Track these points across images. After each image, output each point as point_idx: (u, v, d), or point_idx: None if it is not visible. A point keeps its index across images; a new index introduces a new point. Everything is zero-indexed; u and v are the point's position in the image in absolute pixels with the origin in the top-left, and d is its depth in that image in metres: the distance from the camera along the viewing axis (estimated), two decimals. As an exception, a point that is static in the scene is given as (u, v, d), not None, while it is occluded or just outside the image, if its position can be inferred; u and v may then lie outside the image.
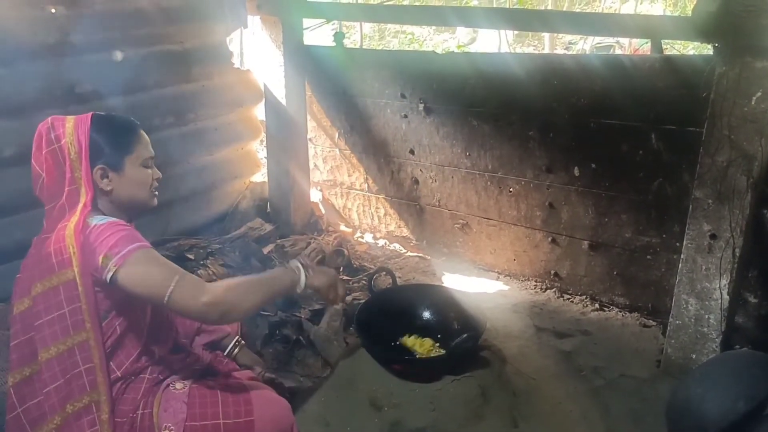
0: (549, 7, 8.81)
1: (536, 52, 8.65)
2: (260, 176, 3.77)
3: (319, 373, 2.40)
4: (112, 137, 1.59)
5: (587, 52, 7.32)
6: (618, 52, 7.30)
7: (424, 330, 2.55)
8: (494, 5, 8.93)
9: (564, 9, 8.87)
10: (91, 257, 1.48)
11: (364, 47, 8.11)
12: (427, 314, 2.64)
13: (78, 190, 1.55)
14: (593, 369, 2.45)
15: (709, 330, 2.26)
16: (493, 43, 8.33)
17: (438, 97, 3.17)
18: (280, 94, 3.40)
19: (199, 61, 3.14)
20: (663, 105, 2.53)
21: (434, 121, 3.22)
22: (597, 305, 2.93)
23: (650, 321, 2.77)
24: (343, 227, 3.76)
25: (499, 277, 3.24)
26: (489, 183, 3.14)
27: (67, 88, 2.54)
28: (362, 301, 2.70)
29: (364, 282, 2.95)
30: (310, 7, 3.51)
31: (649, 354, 2.53)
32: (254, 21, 3.38)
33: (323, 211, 3.77)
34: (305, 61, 3.46)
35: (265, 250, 3.14)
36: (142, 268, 1.47)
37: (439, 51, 4.18)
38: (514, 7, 8.21)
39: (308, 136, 3.66)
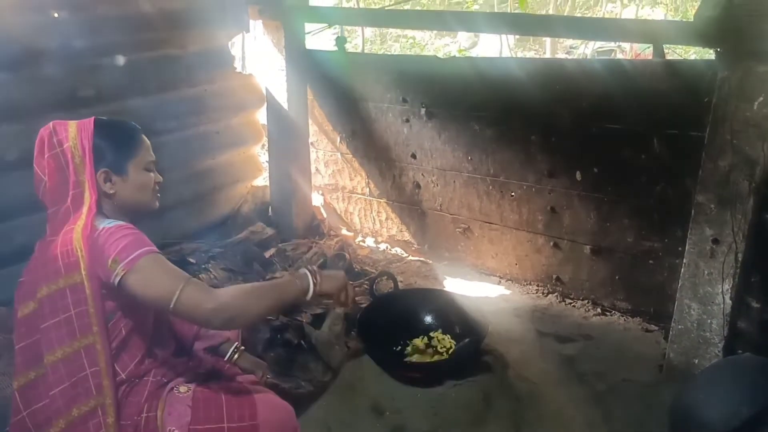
0: (550, 12, 8.81)
1: (537, 56, 8.65)
2: (262, 180, 3.77)
3: (321, 378, 2.40)
4: (115, 141, 1.60)
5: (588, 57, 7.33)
6: (619, 56, 7.30)
7: (425, 334, 2.56)
8: (495, 10, 8.93)
9: (565, 14, 8.88)
10: (99, 260, 1.48)
11: (366, 52, 8.12)
12: (428, 318, 2.65)
13: (82, 194, 1.55)
14: (595, 374, 2.45)
15: (711, 335, 2.26)
16: (494, 47, 8.33)
17: (439, 102, 3.17)
18: (282, 98, 3.40)
19: (202, 65, 3.15)
20: (665, 109, 2.53)
21: (436, 126, 3.22)
22: (599, 310, 2.93)
23: (652, 326, 2.76)
24: (344, 231, 3.76)
25: (500, 281, 3.24)
26: (491, 187, 3.14)
27: (70, 93, 2.54)
28: (364, 305, 2.70)
29: (365, 286, 2.95)
30: (312, 12, 3.52)
31: (652, 359, 2.53)
32: (256, 26, 3.39)
33: (325, 215, 3.77)
34: (307, 66, 3.46)
35: (267, 254, 3.14)
36: (149, 274, 1.47)
37: (440, 55, 4.18)
38: (516, 11, 8.21)
39: (310, 140, 3.67)
